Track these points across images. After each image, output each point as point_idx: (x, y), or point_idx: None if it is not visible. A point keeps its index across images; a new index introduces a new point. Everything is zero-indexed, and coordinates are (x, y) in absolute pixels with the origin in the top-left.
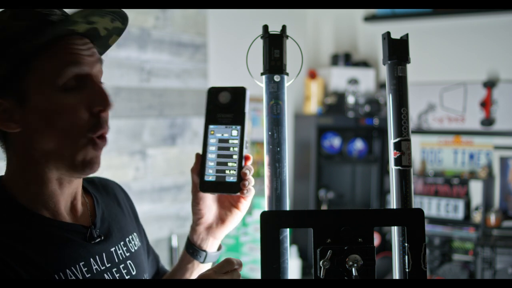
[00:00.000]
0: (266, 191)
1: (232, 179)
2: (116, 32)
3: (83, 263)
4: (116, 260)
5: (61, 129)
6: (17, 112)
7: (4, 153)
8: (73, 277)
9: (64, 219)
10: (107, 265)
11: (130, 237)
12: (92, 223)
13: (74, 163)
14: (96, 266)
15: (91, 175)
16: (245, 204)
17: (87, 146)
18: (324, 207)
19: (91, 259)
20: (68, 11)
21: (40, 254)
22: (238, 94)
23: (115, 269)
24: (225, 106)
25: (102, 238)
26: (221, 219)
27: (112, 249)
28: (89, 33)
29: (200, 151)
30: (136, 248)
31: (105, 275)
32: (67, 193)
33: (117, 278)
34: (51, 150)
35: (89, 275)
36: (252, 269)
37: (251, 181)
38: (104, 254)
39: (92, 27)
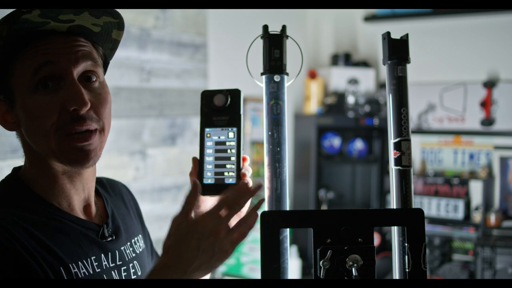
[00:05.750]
0: (266, 191)
1: (231, 180)
2: (114, 26)
3: (94, 257)
4: (126, 259)
5: (39, 128)
6: (10, 112)
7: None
8: (84, 270)
9: (78, 216)
10: (118, 263)
11: (136, 238)
12: (104, 223)
13: (57, 156)
14: (106, 263)
15: (99, 176)
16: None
17: (64, 140)
18: (324, 207)
19: (102, 255)
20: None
21: (56, 243)
22: (233, 96)
23: (125, 267)
24: (220, 108)
25: (114, 237)
26: None
27: (122, 248)
28: (78, 31)
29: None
30: (141, 249)
31: (113, 272)
32: (80, 189)
33: (125, 276)
34: (40, 146)
35: (99, 270)
36: (252, 269)
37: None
38: (116, 252)
39: (72, 25)
